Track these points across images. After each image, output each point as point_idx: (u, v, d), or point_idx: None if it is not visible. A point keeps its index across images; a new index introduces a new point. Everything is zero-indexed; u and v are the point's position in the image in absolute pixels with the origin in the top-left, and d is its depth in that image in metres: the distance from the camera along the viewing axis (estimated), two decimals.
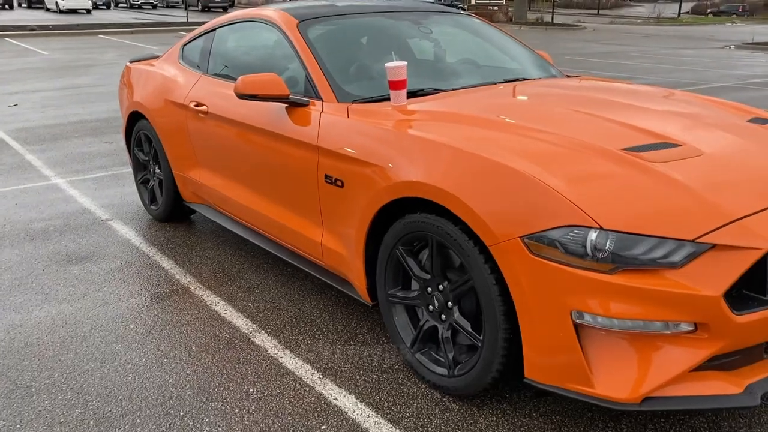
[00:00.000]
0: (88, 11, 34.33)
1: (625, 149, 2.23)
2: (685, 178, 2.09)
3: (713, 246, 1.92)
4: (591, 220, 1.95)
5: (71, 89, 10.68)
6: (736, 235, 1.93)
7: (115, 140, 6.97)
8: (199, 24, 24.83)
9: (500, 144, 2.31)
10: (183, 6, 37.68)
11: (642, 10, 51.86)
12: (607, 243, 1.93)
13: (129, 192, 5.08)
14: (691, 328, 1.94)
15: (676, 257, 1.91)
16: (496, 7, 35.59)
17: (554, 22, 33.04)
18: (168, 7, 41.90)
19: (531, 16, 35.01)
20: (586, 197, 2.00)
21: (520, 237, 2.04)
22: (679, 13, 45.47)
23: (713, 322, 1.91)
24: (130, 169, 5.25)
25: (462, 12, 4.10)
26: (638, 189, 2.06)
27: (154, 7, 40.78)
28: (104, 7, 38.92)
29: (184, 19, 27.77)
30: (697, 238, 1.91)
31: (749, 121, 2.73)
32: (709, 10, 49.07)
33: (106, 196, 5.04)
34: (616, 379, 1.98)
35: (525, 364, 2.13)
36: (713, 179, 2.12)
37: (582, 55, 17.73)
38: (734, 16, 44.16)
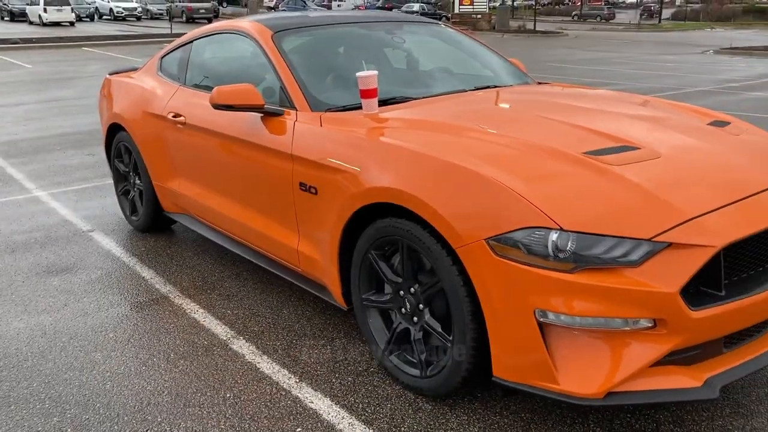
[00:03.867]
0: (72, 24, 34.13)
1: (585, 153, 2.30)
2: (643, 179, 2.16)
3: (669, 244, 1.99)
4: (552, 221, 2.01)
5: (54, 102, 10.66)
6: (691, 234, 2.00)
7: (97, 152, 6.97)
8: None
9: (467, 149, 2.38)
10: (167, 18, 37.62)
11: (623, 16, 52.43)
12: (568, 243, 2.00)
13: (110, 203, 5.10)
14: (650, 325, 2.01)
15: (634, 256, 1.98)
16: (479, 16, 35.90)
17: (536, 29, 33.35)
18: (152, 18, 41.72)
19: (513, 24, 35.29)
20: (547, 199, 2.07)
21: (485, 239, 2.10)
22: (660, 20, 46.06)
23: (671, 318, 1.98)
24: (112, 181, 5.27)
25: (436, 22, 4.18)
26: (597, 191, 2.13)
27: (138, 19, 40.56)
28: (87, 19, 38.72)
29: (168, 31, 27.74)
30: (654, 237, 1.99)
31: (709, 124, 2.82)
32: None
33: (87, 207, 5.06)
34: (580, 376, 2.05)
35: (493, 362, 2.19)
36: (670, 180, 2.20)
37: (564, 62, 17.93)
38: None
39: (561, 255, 2.00)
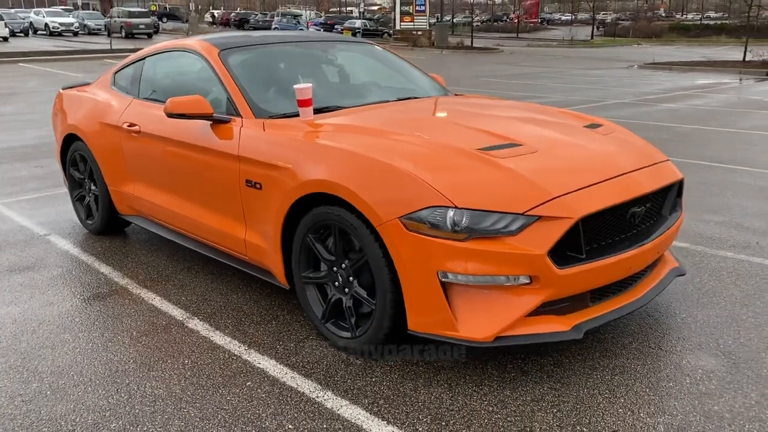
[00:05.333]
0: (5, 39, 33.46)
1: (479, 149, 2.85)
2: (521, 169, 2.72)
3: (539, 217, 2.55)
4: (449, 201, 2.54)
5: None
6: (556, 209, 2.56)
7: (45, 165, 7.20)
8: (124, 51, 24.74)
9: (385, 148, 2.90)
10: (106, 33, 37.20)
11: (558, 33, 54.69)
12: (463, 219, 2.53)
13: (63, 211, 5.39)
14: (527, 281, 2.55)
15: (513, 227, 2.53)
16: (420, 32, 37.01)
17: (474, 45, 34.62)
18: (90, 34, 41.16)
19: (452, 40, 36.49)
20: (447, 185, 2.60)
21: (399, 217, 2.61)
22: (592, 36, 48.35)
23: (542, 275, 2.53)
24: (63, 191, 5.55)
25: (366, 41, 4.72)
26: (486, 178, 2.68)
27: (76, 34, 39.98)
28: (22, 34, 37.97)
29: (107, 47, 27.56)
30: (527, 211, 2.54)
31: (585, 126, 3.43)
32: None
33: (41, 215, 5.34)
34: (475, 324, 2.58)
35: (408, 318, 2.69)
36: (543, 169, 2.76)
37: (497, 77, 18.84)
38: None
39: (457, 228, 2.53)
